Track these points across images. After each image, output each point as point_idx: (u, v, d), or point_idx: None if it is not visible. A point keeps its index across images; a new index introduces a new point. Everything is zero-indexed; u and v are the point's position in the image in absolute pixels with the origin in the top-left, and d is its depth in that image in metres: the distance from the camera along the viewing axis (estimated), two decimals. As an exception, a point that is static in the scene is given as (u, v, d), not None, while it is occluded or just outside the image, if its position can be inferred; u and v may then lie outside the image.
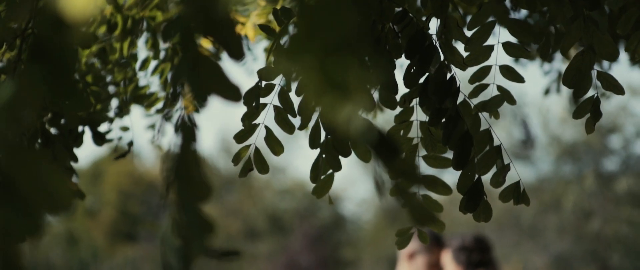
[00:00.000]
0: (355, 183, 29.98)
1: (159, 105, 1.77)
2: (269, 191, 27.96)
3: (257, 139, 1.35)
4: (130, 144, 1.76)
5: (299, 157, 33.65)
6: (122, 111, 1.68)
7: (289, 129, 1.34)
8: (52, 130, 1.37)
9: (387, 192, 1.34)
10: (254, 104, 1.26)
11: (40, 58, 0.51)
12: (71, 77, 0.52)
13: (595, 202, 20.69)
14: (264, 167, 1.36)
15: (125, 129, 1.77)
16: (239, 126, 1.33)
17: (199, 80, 0.73)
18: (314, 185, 1.41)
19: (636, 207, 21.06)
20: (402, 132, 1.35)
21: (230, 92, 0.78)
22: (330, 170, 1.36)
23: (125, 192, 32.80)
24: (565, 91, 3.15)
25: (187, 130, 0.74)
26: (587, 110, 1.32)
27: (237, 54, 0.88)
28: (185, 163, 0.76)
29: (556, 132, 20.81)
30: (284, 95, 1.31)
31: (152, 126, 2.00)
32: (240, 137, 1.31)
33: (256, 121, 1.32)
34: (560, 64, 2.97)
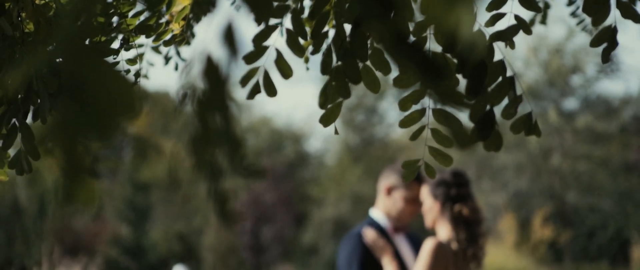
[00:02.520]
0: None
1: (165, 36, 1.71)
2: (233, 128, 27.86)
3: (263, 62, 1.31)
4: (137, 75, 1.70)
5: (264, 94, 33.44)
6: (127, 43, 1.61)
7: (299, 51, 1.30)
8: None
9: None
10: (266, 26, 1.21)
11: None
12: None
13: (555, 139, 21.08)
14: (271, 90, 1.32)
15: (131, 62, 1.71)
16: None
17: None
18: (322, 112, 1.37)
19: (594, 143, 21.53)
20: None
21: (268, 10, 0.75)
22: (340, 99, 1.33)
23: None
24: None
25: (231, 40, 0.70)
26: (604, 39, 1.30)
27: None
28: (215, 78, 0.72)
29: (518, 71, 21.02)
30: (296, 17, 1.27)
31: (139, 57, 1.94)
32: (249, 58, 1.27)
33: (266, 43, 1.28)
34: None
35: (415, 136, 1.32)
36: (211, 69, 0.71)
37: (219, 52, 0.71)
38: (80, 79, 0.47)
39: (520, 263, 15.04)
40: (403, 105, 1.28)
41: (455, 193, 3.55)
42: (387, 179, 3.77)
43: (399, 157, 23.77)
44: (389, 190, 3.74)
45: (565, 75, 21.44)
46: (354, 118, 25.30)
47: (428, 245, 3.47)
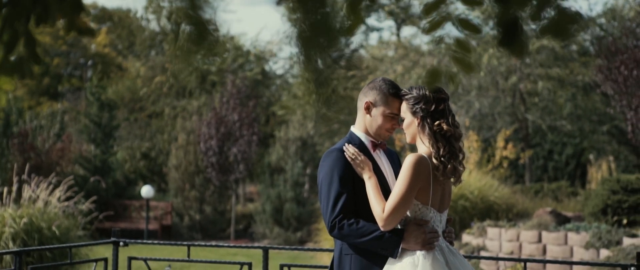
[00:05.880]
0: (284, 40, 29.75)
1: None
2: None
3: None
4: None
5: (226, 12, 32.93)
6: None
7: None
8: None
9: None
10: None
11: None
12: None
13: (515, 60, 21.19)
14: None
15: None
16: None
17: None
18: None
19: (554, 64, 21.73)
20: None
21: None
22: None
23: (47, 49, 31.78)
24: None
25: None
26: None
27: None
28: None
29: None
30: None
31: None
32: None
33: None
34: None
35: (437, 42, 1.33)
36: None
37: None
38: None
39: (483, 181, 15.38)
40: (427, 10, 1.28)
41: (435, 108, 3.58)
42: (366, 96, 3.78)
43: (364, 78, 23.78)
44: (368, 107, 3.76)
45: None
46: (319, 38, 25.11)
47: (410, 160, 3.52)
